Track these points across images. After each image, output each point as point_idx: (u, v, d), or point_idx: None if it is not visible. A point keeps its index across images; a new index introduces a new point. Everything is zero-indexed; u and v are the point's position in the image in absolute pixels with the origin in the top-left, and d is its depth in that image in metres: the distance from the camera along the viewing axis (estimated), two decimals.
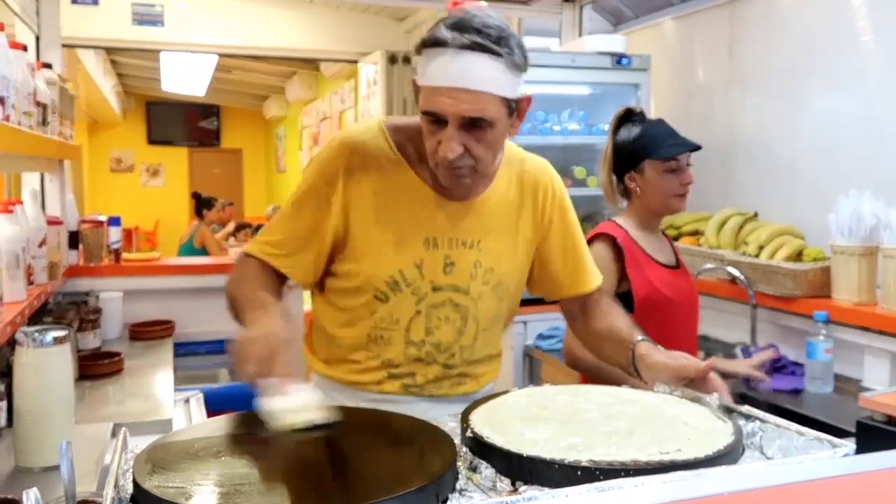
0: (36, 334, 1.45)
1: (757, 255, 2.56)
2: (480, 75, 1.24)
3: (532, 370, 2.97)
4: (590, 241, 1.90)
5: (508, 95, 1.28)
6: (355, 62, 6.07)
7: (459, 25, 1.25)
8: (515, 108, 1.32)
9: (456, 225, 1.40)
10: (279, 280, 1.42)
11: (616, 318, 1.52)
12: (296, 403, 1.13)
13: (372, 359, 1.43)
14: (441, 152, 1.28)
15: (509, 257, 1.46)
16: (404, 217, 1.39)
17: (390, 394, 1.43)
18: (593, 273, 1.56)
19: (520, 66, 1.28)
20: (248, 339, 1.20)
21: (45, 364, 1.45)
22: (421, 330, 1.40)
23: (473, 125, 1.27)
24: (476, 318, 1.44)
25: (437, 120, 1.28)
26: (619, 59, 3.05)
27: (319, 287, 1.48)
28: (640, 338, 1.43)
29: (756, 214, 2.81)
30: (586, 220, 3.28)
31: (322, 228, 1.38)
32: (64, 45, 3.29)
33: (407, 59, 5.67)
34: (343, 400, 1.42)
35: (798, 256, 2.48)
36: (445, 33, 1.24)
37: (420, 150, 1.37)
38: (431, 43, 1.26)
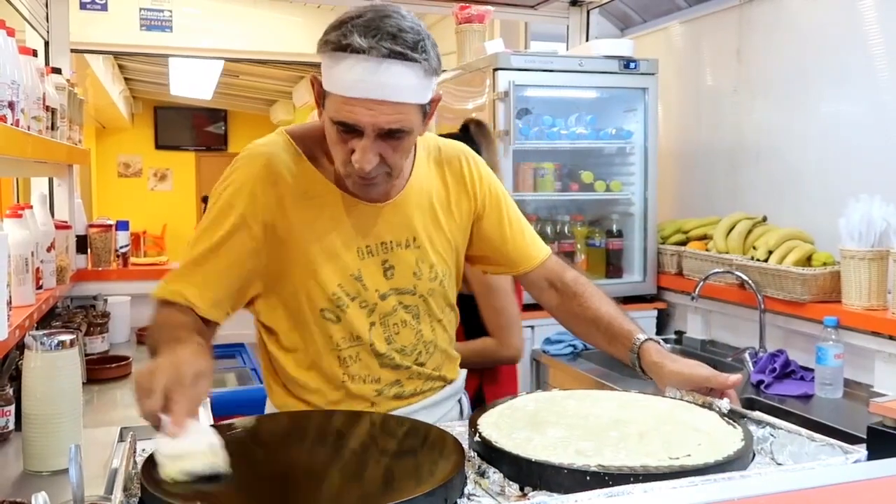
0: (44, 338, 1.45)
1: (766, 260, 2.54)
2: (400, 85, 1.17)
3: (539, 375, 2.96)
4: None
5: (424, 102, 1.23)
6: None
7: (373, 29, 1.15)
8: (428, 111, 1.27)
9: (386, 227, 1.35)
10: (201, 319, 1.29)
11: (602, 304, 1.46)
12: (183, 449, 0.97)
13: (352, 383, 1.36)
14: (357, 164, 1.21)
15: (447, 246, 1.43)
16: (332, 229, 1.32)
17: (389, 410, 1.38)
18: (540, 244, 1.52)
19: (436, 70, 1.22)
20: (148, 369, 1.05)
21: (54, 368, 1.46)
22: (382, 340, 1.37)
23: (390, 135, 1.21)
24: (429, 313, 1.42)
25: (348, 130, 1.20)
26: (626, 63, 3.04)
27: (266, 333, 1.39)
28: (642, 337, 1.39)
29: (765, 218, 2.79)
30: (594, 224, 3.28)
31: (242, 255, 1.29)
32: (73, 51, 3.30)
33: None
34: None
35: (807, 261, 2.47)
36: (359, 40, 1.14)
37: (330, 158, 1.30)
38: (340, 47, 1.16)
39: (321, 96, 1.25)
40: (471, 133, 2.18)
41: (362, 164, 1.21)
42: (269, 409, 1.45)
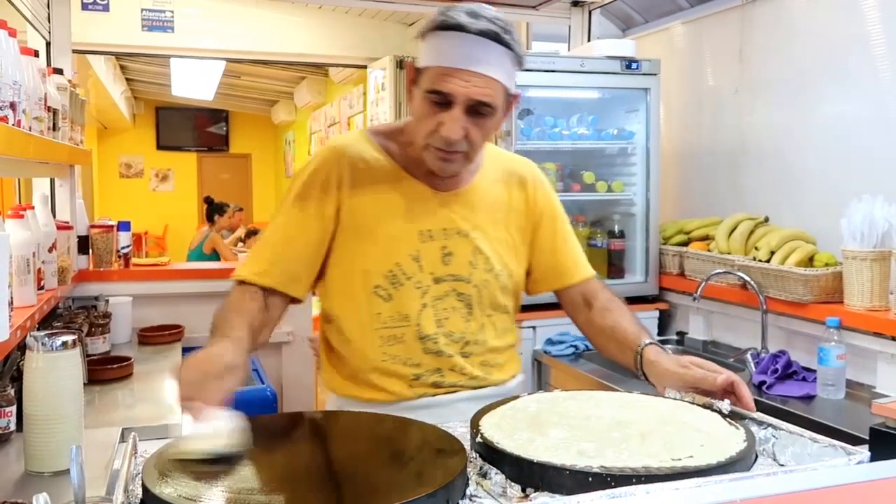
0: (46, 339, 1.45)
1: (768, 261, 2.54)
2: (492, 61, 1.28)
3: (541, 375, 2.96)
4: None
5: (510, 87, 1.34)
6: (364, 67, 6.07)
7: (474, 13, 1.29)
8: (510, 101, 1.38)
9: (449, 216, 1.43)
10: (270, 301, 1.41)
11: (620, 316, 1.51)
12: (206, 430, 1.07)
13: (390, 362, 1.42)
14: (444, 132, 1.30)
15: (506, 245, 1.49)
16: (397, 213, 1.42)
17: (427, 396, 1.43)
18: (585, 264, 1.59)
19: (521, 62, 1.34)
20: (186, 361, 1.20)
21: (55, 369, 1.46)
22: (431, 322, 1.42)
23: (477, 110, 1.30)
24: (481, 306, 1.46)
25: (441, 101, 1.30)
26: (628, 64, 3.04)
27: (325, 322, 1.51)
28: (647, 341, 1.42)
29: (767, 219, 2.79)
30: (596, 224, 3.28)
31: (318, 235, 1.41)
32: (74, 51, 3.30)
33: None
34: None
35: (809, 261, 2.46)
36: (464, 18, 1.28)
37: (405, 150, 1.43)
38: (446, 26, 1.29)
39: (413, 80, 1.36)
40: None
41: (450, 133, 1.30)
42: (326, 398, 1.54)
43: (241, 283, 1.41)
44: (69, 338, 1.47)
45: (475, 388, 1.47)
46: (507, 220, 1.50)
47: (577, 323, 1.60)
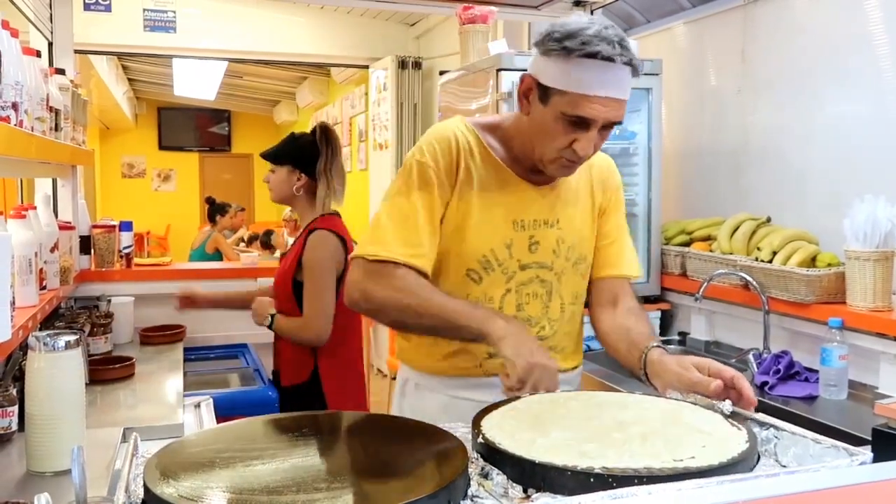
0: (48, 339, 1.45)
1: (770, 261, 2.54)
2: (626, 85, 1.38)
3: None
4: (313, 230, 2.45)
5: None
6: (366, 67, 6.08)
7: (608, 40, 1.34)
8: None
9: (538, 207, 1.53)
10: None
11: (641, 321, 1.56)
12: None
13: (467, 343, 1.48)
14: (583, 151, 1.40)
15: (587, 235, 1.59)
16: (496, 202, 1.51)
17: (494, 375, 1.45)
18: (634, 262, 1.65)
19: (635, 76, 1.41)
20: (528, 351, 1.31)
21: (57, 369, 1.46)
22: (512, 306, 1.51)
23: (607, 127, 1.41)
24: (560, 293, 1.55)
25: (579, 122, 1.38)
26: None
27: None
28: (654, 343, 1.44)
29: (769, 219, 2.79)
30: None
31: (436, 217, 1.49)
32: (77, 52, 3.31)
33: (417, 65, 5.68)
34: (442, 389, 1.54)
35: (812, 262, 2.46)
36: (607, 49, 1.33)
37: (506, 143, 1.52)
38: (589, 54, 1.33)
39: (535, 91, 1.42)
40: (317, 137, 2.55)
41: (587, 151, 1.41)
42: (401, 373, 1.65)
43: (389, 262, 1.45)
44: (71, 338, 1.47)
45: None
46: (589, 210, 1.60)
47: (593, 315, 1.63)
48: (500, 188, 1.51)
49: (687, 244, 3.05)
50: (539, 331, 1.53)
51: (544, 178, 1.53)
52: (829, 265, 2.41)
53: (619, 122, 1.42)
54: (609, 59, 1.34)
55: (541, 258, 1.52)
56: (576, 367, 1.64)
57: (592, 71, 1.35)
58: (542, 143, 1.43)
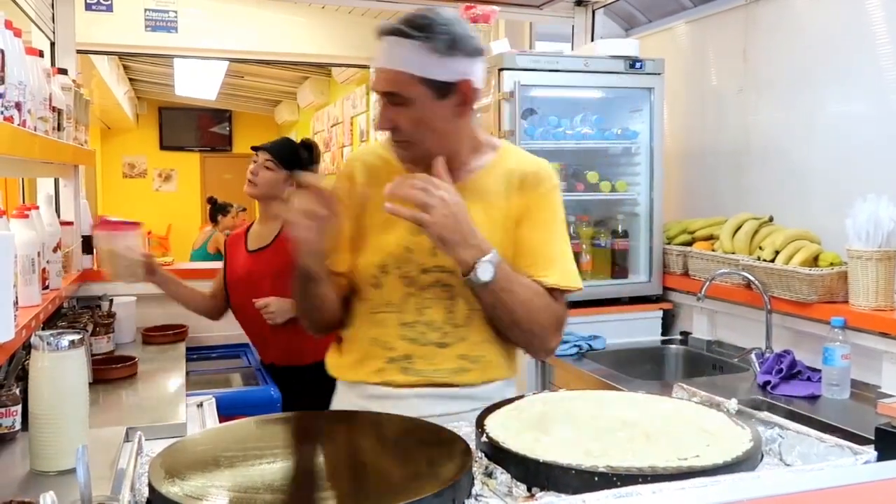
0: (51, 338, 1.45)
1: (772, 260, 2.53)
2: (396, 56, 1.40)
3: (545, 375, 2.96)
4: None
5: (429, 76, 1.40)
6: (367, 67, 6.07)
7: (408, 17, 1.41)
8: (451, 91, 1.42)
9: None
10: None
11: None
12: None
13: (370, 344, 1.51)
14: (377, 126, 1.48)
15: (497, 241, 1.46)
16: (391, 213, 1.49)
17: (392, 386, 1.47)
18: (552, 271, 1.50)
19: (439, 50, 1.38)
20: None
21: (61, 368, 1.46)
22: (413, 310, 1.49)
23: (395, 102, 1.42)
24: (465, 298, 1.48)
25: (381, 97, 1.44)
26: (632, 63, 3.04)
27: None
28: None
29: (771, 219, 2.78)
30: (600, 224, 3.27)
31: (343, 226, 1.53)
32: (78, 52, 3.31)
33: None
34: (356, 400, 1.50)
35: (814, 261, 2.46)
36: (386, 23, 1.42)
37: None
38: (376, 33, 1.43)
39: None
40: (312, 153, 2.72)
41: (378, 122, 1.46)
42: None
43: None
44: (74, 337, 1.48)
45: (442, 384, 1.48)
46: (504, 217, 1.51)
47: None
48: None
49: (689, 244, 3.05)
50: (441, 337, 1.49)
51: (449, 177, 1.47)
52: (832, 264, 2.41)
53: (393, 93, 1.42)
54: (381, 32, 1.41)
55: (442, 262, 1.47)
56: (492, 381, 1.53)
57: (378, 47, 1.43)
58: None
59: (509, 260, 1.48)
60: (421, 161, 1.48)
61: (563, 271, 1.51)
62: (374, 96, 1.57)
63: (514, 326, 1.46)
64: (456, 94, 1.43)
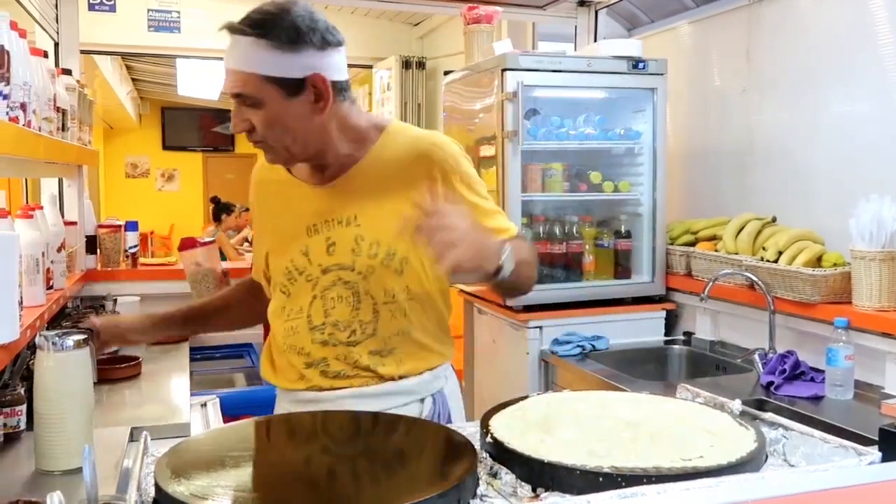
0: (56, 338, 1.45)
1: (775, 261, 2.53)
2: (237, 56, 1.35)
3: (548, 376, 2.96)
4: None
5: (275, 74, 1.34)
6: (369, 67, 6.08)
7: (250, 13, 1.36)
8: (302, 88, 1.36)
9: (330, 207, 1.47)
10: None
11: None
12: None
13: (289, 352, 1.50)
14: (232, 129, 1.45)
15: (395, 227, 1.39)
16: (287, 214, 1.52)
17: (315, 389, 1.47)
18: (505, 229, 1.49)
19: (281, 46, 1.33)
20: None
21: (66, 368, 1.46)
22: (320, 312, 1.47)
23: (246, 103, 1.37)
24: (369, 294, 1.45)
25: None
26: (635, 64, 3.04)
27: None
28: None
29: (774, 219, 2.78)
30: (602, 224, 3.27)
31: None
32: (81, 52, 3.32)
33: (421, 64, 5.68)
34: (289, 406, 1.52)
35: (817, 261, 2.46)
36: (231, 21, 1.36)
37: None
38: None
39: None
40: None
41: (232, 125, 1.41)
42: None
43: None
44: (79, 337, 1.48)
45: (362, 382, 1.45)
46: (405, 204, 1.38)
47: None
48: (287, 198, 1.53)
49: (692, 244, 3.05)
50: (349, 335, 1.45)
51: (329, 174, 1.48)
52: (835, 265, 2.41)
53: (240, 94, 1.37)
54: (228, 29, 1.36)
55: (340, 259, 1.45)
56: (418, 374, 1.48)
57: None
58: None
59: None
60: (290, 162, 1.50)
61: (507, 226, 1.51)
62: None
63: (524, 287, 1.47)
64: (307, 90, 1.37)
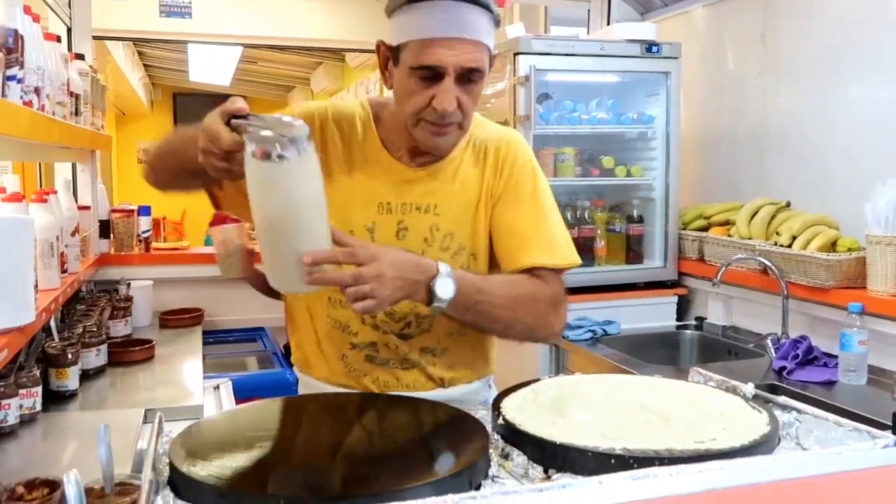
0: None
1: (789, 245, 2.52)
2: (476, 24, 1.24)
3: (559, 360, 2.96)
4: None
5: (492, 49, 1.29)
6: None
7: None
8: (492, 62, 1.32)
9: (411, 190, 1.38)
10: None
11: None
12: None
13: (332, 328, 1.40)
14: (440, 106, 1.25)
15: (472, 224, 1.40)
16: (359, 181, 1.38)
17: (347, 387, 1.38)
18: (543, 250, 1.38)
19: (498, 22, 1.29)
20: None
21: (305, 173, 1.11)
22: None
23: (467, 78, 1.26)
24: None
25: (430, 75, 1.25)
26: (648, 47, 3.01)
27: None
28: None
29: (789, 204, 2.76)
30: (615, 209, 3.26)
31: None
32: (94, 38, 3.32)
33: None
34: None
35: (832, 246, 2.44)
36: None
37: (391, 123, 1.38)
38: None
39: (389, 58, 1.31)
40: None
41: (444, 104, 1.24)
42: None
43: None
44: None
45: (409, 381, 1.40)
46: (475, 197, 1.40)
47: None
48: (370, 168, 1.38)
49: (705, 229, 3.03)
50: (403, 328, 1.39)
51: (424, 160, 1.38)
52: (850, 250, 2.39)
53: (478, 70, 1.26)
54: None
55: (409, 246, 1.34)
56: (470, 382, 1.46)
57: (431, 14, 1.23)
58: (404, 107, 1.30)
59: (486, 246, 1.41)
60: (450, 147, 1.37)
61: (551, 248, 1.39)
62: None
63: (508, 330, 1.36)
64: (492, 65, 1.32)
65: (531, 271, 1.37)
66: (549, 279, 1.38)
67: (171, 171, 1.42)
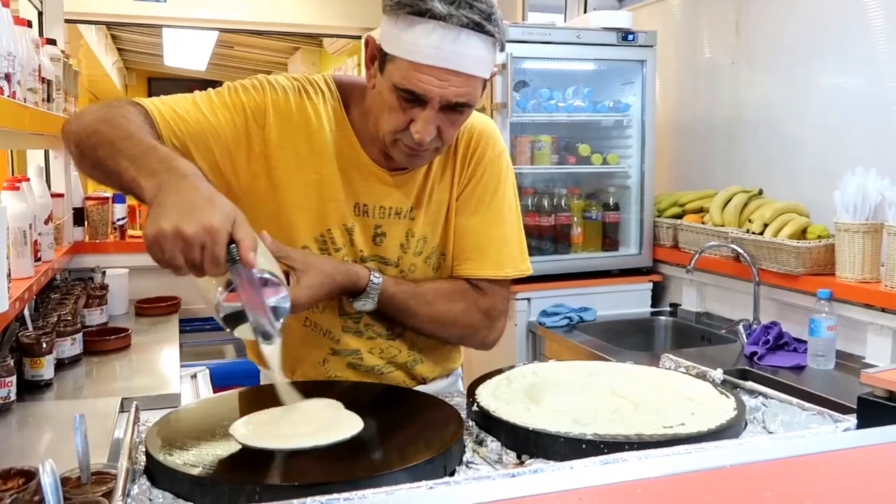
0: None
1: (761, 233, 2.56)
2: (474, 57, 1.13)
3: (536, 347, 2.99)
4: None
5: (488, 77, 1.20)
6: (358, 38, 6.02)
7: (464, 5, 1.12)
8: (485, 85, 1.22)
9: (387, 194, 1.31)
10: None
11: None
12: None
13: (313, 331, 1.35)
14: (418, 135, 1.17)
15: (444, 224, 1.35)
16: (336, 179, 1.28)
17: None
18: (495, 260, 1.35)
19: (503, 45, 1.19)
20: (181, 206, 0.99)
21: None
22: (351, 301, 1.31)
23: (453, 108, 1.17)
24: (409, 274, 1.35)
25: (413, 99, 1.15)
26: (625, 36, 3.03)
27: None
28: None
29: (761, 192, 2.80)
30: (591, 197, 3.29)
31: (218, 114, 1.26)
32: (66, 21, 3.27)
33: None
34: None
35: (802, 234, 2.48)
36: (439, 6, 1.10)
37: (366, 113, 1.26)
38: (418, 11, 1.11)
39: (376, 59, 1.20)
40: None
41: (423, 135, 1.17)
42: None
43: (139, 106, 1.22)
44: None
45: (391, 381, 1.38)
46: (450, 193, 1.35)
47: None
48: (344, 162, 1.28)
49: (679, 216, 3.07)
50: (388, 328, 1.37)
51: (398, 165, 1.29)
52: (819, 237, 2.44)
53: (469, 105, 1.17)
54: (439, 17, 1.09)
55: (385, 253, 1.32)
56: (447, 376, 1.46)
57: (427, 35, 1.10)
58: (380, 120, 1.21)
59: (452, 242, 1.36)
60: (422, 166, 1.31)
61: (500, 259, 1.35)
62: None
63: (434, 336, 1.37)
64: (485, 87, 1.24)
65: (474, 281, 1.35)
66: (490, 291, 1.36)
67: (101, 174, 1.14)
